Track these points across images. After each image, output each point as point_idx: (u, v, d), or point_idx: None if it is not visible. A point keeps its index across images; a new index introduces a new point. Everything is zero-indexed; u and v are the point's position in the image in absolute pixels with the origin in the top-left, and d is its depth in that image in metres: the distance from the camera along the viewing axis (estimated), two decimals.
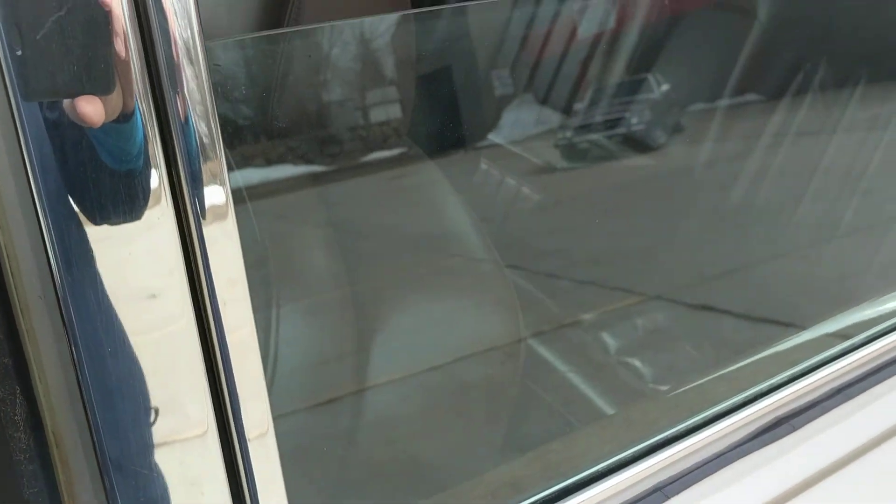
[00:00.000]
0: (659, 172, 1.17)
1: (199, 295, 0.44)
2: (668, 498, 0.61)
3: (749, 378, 0.83)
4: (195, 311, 0.44)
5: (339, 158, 0.79)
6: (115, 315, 0.41)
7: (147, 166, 0.40)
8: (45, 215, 0.39)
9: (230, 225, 0.44)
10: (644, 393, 0.99)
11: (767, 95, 1.18)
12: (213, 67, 0.61)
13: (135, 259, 0.41)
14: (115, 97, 0.38)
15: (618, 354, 1.02)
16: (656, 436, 0.65)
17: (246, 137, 0.69)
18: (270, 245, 0.69)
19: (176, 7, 0.39)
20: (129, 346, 0.42)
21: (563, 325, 1.02)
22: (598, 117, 1.13)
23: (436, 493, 0.76)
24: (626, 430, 0.85)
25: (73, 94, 0.37)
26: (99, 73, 0.37)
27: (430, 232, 0.86)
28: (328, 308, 0.74)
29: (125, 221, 0.40)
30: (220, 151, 0.43)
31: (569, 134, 1.11)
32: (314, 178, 0.76)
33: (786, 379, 0.69)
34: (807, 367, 0.70)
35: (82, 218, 0.39)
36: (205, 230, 0.43)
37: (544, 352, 0.95)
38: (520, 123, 1.05)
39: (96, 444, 0.42)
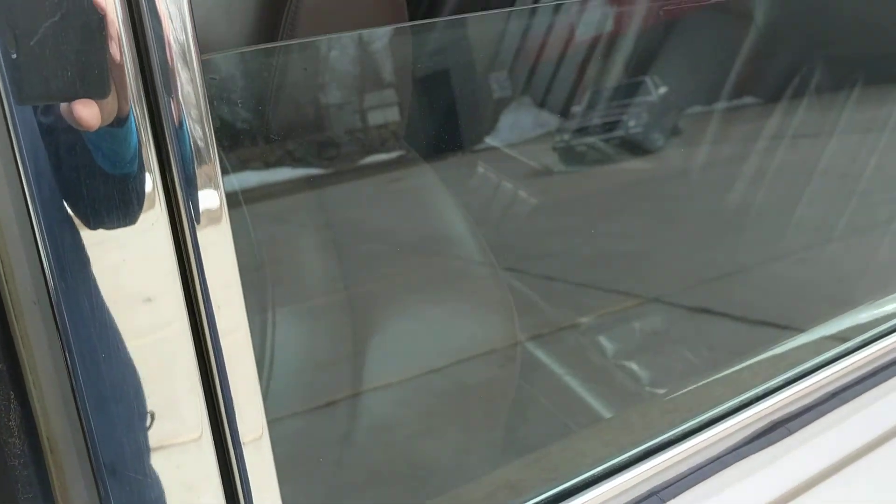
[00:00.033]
0: (657, 175, 1.17)
1: (194, 299, 0.44)
2: (663, 502, 0.61)
3: (746, 381, 0.83)
4: (189, 315, 0.44)
5: (336, 161, 0.79)
6: (110, 319, 0.41)
7: (141, 170, 0.40)
8: (39, 220, 0.39)
9: (224, 229, 0.44)
10: (641, 396, 0.99)
11: (765, 98, 1.18)
12: (209, 80, 0.62)
13: (129, 263, 0.41)
14: (110, 101, 0.38)
15: (615, 358, 1.02)
16: (652, 440, 0.65)
17: (243, 144, 0.69)
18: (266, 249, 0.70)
19: (170, 11, 0.39)
20: (124, 351, 0.42)
21: (560, 328, 1.02)
22: (596, 120, 1.13)
23: (433, 497, 0.76)
24: (622, 433, 0.85)
25: (67, 99, 0.37)
26: (93, 77, 0.37)
27: (427, 238, 0.87)
28: (322, 311, 0.74)
29: (119, 226, 0.40)
30: (214, 155, 0.43)
31: (566, 137, 1.11)
32: (309, 183, 0.76)
33: (781, 382, 0.69)
34: (802, 370, 0.70)
35: (76, 222, 0.39)
36: (199, 234, 0.43)
37: (541, 355, 0.95)
38: (517, 127, 1.05)
39: (90, 450, 0.42)
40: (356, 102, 0.77)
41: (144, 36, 0.39)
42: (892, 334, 0.75)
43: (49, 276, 0.39)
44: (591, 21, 1.04)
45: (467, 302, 0.84)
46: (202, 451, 0.47)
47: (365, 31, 0.71)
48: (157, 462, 0.45)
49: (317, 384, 0.75)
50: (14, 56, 0.35)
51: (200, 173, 0.42)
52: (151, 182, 0.40)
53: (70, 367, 0.41)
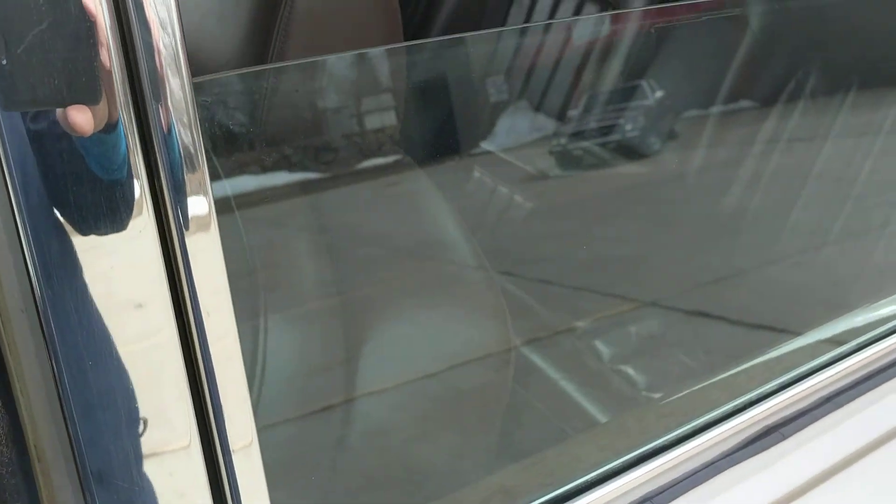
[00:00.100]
0: (654, 179, 1.18)
1: (182, 306, 0.44)
2: None
3: (742, 385, 0.83)
4: (178, 321, 0.44)
5: (333, 165, 0.79)
6: (97, 327, 0.41)
7: (129, 177, 0.40)
8: (26, 226, 0.38)
9: (213, 235, 0.44)
10: (637, 401, 0.99)
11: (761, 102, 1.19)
12: (201, 102, 0.62)
13: (117, 271, 0.41)
14: (100, 108, 0.38)
15: (611, 362, 1.02)
16: (645, 445, 0.65)
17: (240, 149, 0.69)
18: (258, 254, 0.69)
19: (159, 18, 0.39)
20: (111, 358, 0.42)
21: (555, 332, 1.02)
22: (593, 124, 1.13)
23: (427, 503, 0.76)
24: (617, 438, 0.85)
25: (55, 105, 0.37)
26: (81, 84, 0.37)
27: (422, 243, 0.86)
28: (313, 316, 0.74)
29: (107, 233, 0.40)
30: (203, 162, 0.43)
31: (563, 141, 1.11)
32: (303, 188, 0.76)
33: (775, 387, 0.69)
34: (796, 375, 0.70)
35: (64, 229, 0.39)
36: (188, 241, 0.43)
37: (535, 359, 0.95)
38: (513, 132, 1.05)
39: (77, 458, 0.42)
40: (350, 115, 0.78)
41: (133, 43, 0.39)
42: (886, 338, 0.75)
43: (36, 284, 0.39)
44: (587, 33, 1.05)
45: (460, 307, 0.84)
46: (191, 459, 0.47)
47: (357, 52, 0.72)
48: (145, 470, 0.45)
49: (310, 389, 0.75)
50: (3, 62, 0.35)
51: (189, 180, 0.42)
52: (139, 188, 0.40)
53: (56, 374, 0.41)
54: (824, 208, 1.17)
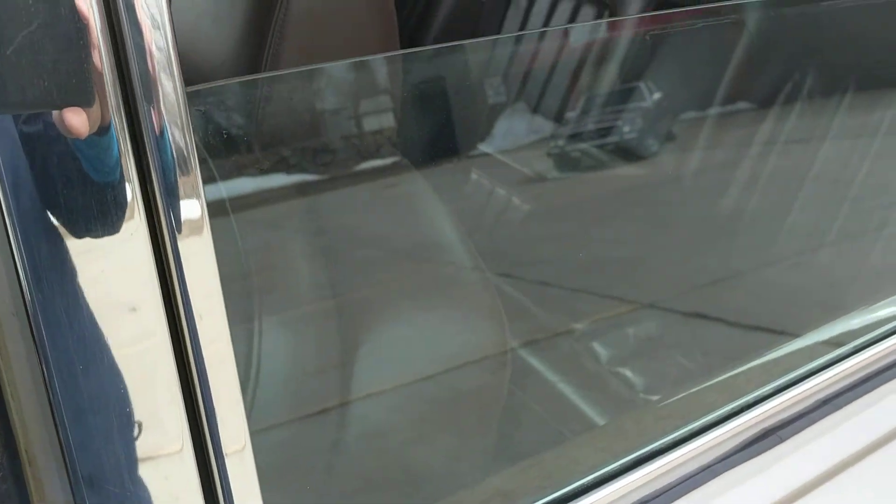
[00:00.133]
0: (650, 181, 1.18)
1: (175, 309, 0.44)
2: None
3: (741, 386, 0.83)
4: (170, 325, 0.43)
5: (331, 167, 0.79)
6: (88, 330, 0.41)
7: (121, 180, 0.40)
8: (16, 230, 0.38)
9: (206, 238, 0.43)
10: (634, 403, 0.99)
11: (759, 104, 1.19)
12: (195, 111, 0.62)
13: (108, 274, 0.41)
14: (90, 111, 0.38)
15: (608, 364, 1.02)
16: (641, 449, 0.64)
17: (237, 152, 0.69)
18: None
19: (150, 21, 0.39)
20: (102, 362, 0.42)
21: (553, 334, 1.02)
22: (590, 126, 1.13)
23: None
24: (615, 440, 0.85)
25: (45, 107, 0.37)
26: (71, 86, 0.37)
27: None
28: (309, 318, 0.74)
29: (98, 236, 0.40)
30: (195, 165, 0.42)
31: (561, 143, 1.11)
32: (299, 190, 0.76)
33: (772, 390, 0.69)
34: (793, 377, 0.70)
35: (54, 232, 0.39)
36: (180, 244, 0.43)
37: (533, 361, 0.95)
38: (511, 134, 1.05)
39: (68, 462, 0.42)
40: (348, 117, 0.78)
41: (124, 45, 0.38)
42: (883, 340, 0.75)
43: (26, 287, 0.39)
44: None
45: (456, 309, 0.83)
46: (183, 463, 0.46)
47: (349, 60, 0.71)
48: (138, 474, 0.45)
49: (305, 392, 0.74)
50: None
51: (181, 183, 0.42)
52: (131, 191, 0.40)
53: (47, 378, 0.40)
54: (821, 210, 1.17)
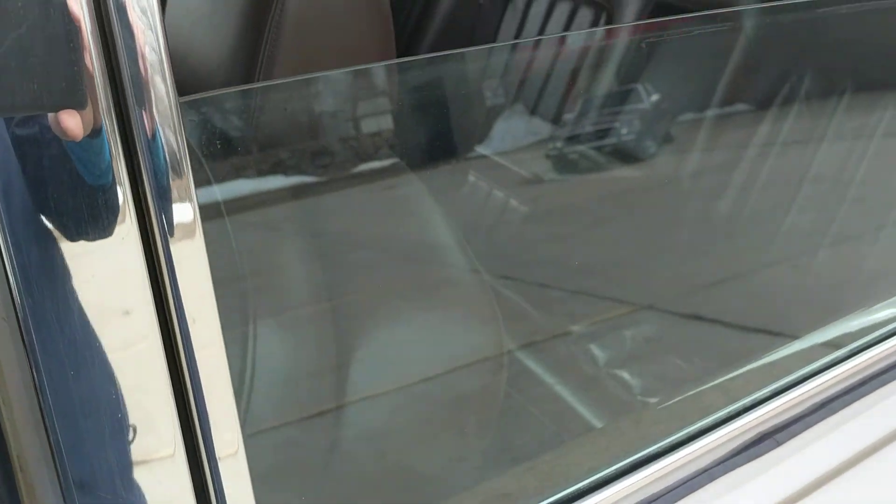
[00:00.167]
0: (648, 183, 1.18)
1: (167, 313, 0.43)
2: None
3: (739, 388, 0.82)
4: (163, 329, 0.43)
5: (328, 170, 0.79)
6: (79, 334, 0.41)
7: (112, 183, 0.40)
8: (6, 233, 0.38)
9: (198, 242, 0.43)
10: (632, 405, 0.98)
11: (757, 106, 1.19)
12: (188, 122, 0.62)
13: (99, 278, 0.40)
14: (81, 114, 0.37)
15: (606, 366, 1.02)
16: (639, 452, 0.64)
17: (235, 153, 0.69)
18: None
19: (141, 23, 0.38)
20: (94, 367, 0.42)
21: (550, 336, 1.02)
22: (588, 128, 1.13)
23: None
24: (614, 442, 0.84)
25: (35, 110, 0.37)
26: (62, 89, 0.37)
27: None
28: (304, 321, 0.74)
29: (89, 240, 0.40)
30: (187, 168, 0.42)
31: (559, 145, 1.12)
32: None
33: (769, 394, 0.69)
34: (790, 381, 0.70)
35: (45, 235, 0.39)
36: (172, 248, 0.42)
37: (529, 364, 0.95)
38: (509, 136, 1.06)
39: (59, 468, 0.42)
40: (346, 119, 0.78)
41: (115, 47, 0.38)
42: (880, 344, 0.75)
43: (16, 292, 0.39)
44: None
45: (452, 312, 0.83)
46: (176, 468, 0.46)
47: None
48: (129, 479, 0.44)
49: (300, 394, 0.74)
50: None
51: (174, 186, 0.42)
52: (122, 195, 0.40)
53: (38, 383, 0.40)
54: (818, 211, 1.17)
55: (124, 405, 0.43)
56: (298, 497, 0.68)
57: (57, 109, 0.37)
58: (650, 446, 0.65)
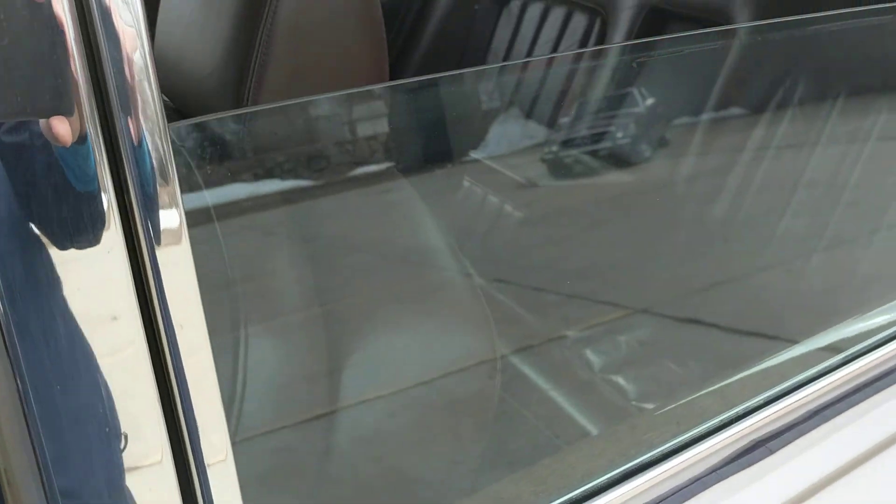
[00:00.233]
0: (643, 186, 1.18)
1: (154, 319, 0.43)
2: None
3: (732, 397, 0.82)
4: (149, 335, 0.43)
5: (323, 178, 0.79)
6: (64, 343, 0.40)
7: (97, 190, 0.39)
8: None
9: (185, 248, 0.43)
10: (629, 412, 0.98)
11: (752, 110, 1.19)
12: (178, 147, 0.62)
13: (85, 286, 0.40)
14: (69, 120, 0.37)
15: (601, 371, 1.02)
16: (632, 461, 0.64)
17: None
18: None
19: (126, 29, 0.38)
20: (80, 375, 0.41)
21: (545, 340, 1.01)
22: (584, 132, 1.14)
23: None
24: (601, 454, 0.84)
25: (16, 117, 0.36)
26: (44, 96, 0.37)
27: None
28: (294, 326, 0.74)
29: (73, 247, 0.39)
30: (173, 174, 0.42)
31: (554, 149, 1.12)
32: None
33: (762, 402, 0.68)
34: (782, 389, 0.70)
35: (28, 243, 0.38)
36: (158, 255, 0.42)
37: (525, 369, 0.95)
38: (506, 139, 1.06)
39: (44, 479, 0.41)
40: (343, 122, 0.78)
41: (99, 54, 0.38)
42: (872, 352, 0.75)
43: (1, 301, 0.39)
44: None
45: (444, 318, 0.83)
46: (164, 475, 0.46)
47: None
48: (118, 488, 0.44)
49: (291, 400, 0.74)
50: None
51: (159, 192, 0.42)
52: (107, 202, 0.40)
53: (22, 392, 0.40)
54: (812, 215, 1.17)
55: (115, 414, 0.43)
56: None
57: (39, 117, 0.37)
58: (643, 454, 0.65)
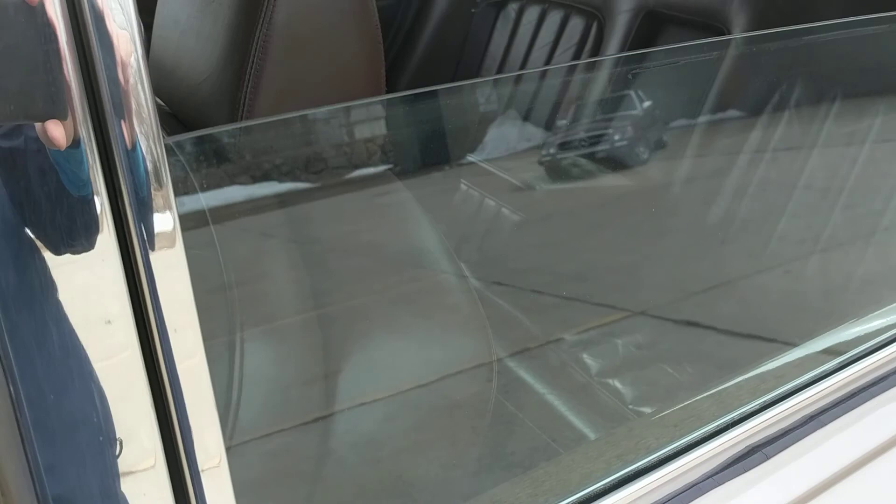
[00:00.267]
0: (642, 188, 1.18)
1: (147, 324, 0.43)
2: None
3: (732, 396, 0.82)
4: (143, 340, 0.43)
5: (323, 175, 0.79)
6: (58, 348, 0.40)
7: (91, 194, 0.39)
8: None
9: (178, 251, 0.43)
10: (625, 416, 0.98)
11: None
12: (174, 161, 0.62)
13: (79, 291, 0.40)
14: (59, 124, 0.37)
15: (598, 375, 1.02)
16: (627, 467, 0.64)
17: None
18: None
19: (119, 33, 0.38)
20: (73, 379, 0.41)
21: (542, 343, 1.01)
22: (581, 135, 1.14)
23: None
24: (596, 459, 0.84)
25: (7, 121, 0.36)
26: (37, 100, 0.36)
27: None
28: (287, 330, 0.73)
29: (66, 252, 0.39)
30: (167, 178, 0.42)
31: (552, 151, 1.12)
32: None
33: (757, 407, 0.68)
34: (778, 394, 0.70)
35: (22, 248, 0.38)
36: (152, 259, 0.42)
37: (521, 372, 0.94)
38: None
39: (37, 486, 0.41)
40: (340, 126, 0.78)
41: (92, 57, 0.38)
42: (868, 357, 0.74)
43: None
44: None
45: (440, 321, 0.83)
46: (158, 480, 0.46)
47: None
48: (111, 493, 0.44)
49: (284, 403, 0.74)
50: None
51: (153, 196, 0.41)
52: (101, 205, 0.40)
53: (15, 399, 0.40)
54: (808, 217, 1.18)
55: (109, 419, 0.43)
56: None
57: (35, 120, 0.36)
58: (639, 460, 0.65)
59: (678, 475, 0.63)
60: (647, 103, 1.12)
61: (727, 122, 1.19)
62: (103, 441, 0.43)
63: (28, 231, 0.38)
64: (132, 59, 0.39)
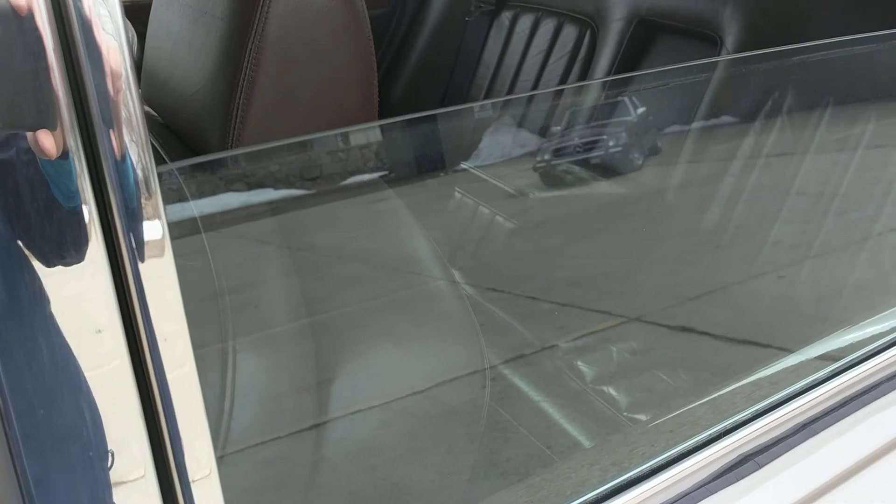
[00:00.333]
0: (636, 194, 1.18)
1: (137, 333, 0.43)
2: None
3: (725, 409, 0.82)
4: (132, 349, 0.43)
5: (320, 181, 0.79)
6: (46, 359, 0.40)
7: (79, 204, 0.39)
8: None
9: (168, 260, 0.43)
10: (620, 424, 0.98)
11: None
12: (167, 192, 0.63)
13: (69, 301, 0.40)
14: (49, 134, 0.37)
15: (593, 382, 1.01)
16: (618, 477, 0.63)
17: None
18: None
19: (106, 42, 0.38)
20: (62, 390, 0.41)
21: (536, 350, 1.01)
22: (575, 140, 1.14)
23: None
24: (589, 468, 0.84)
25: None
26: (24, 109, 0.36)
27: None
28: (278, 339, 0.73)
29: (55, 263, 0.39)
30: (156, 187, 0.42)
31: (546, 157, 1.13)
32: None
33: (749, 416, 0.68)
34: (770, 403, 0.70)
35: (10, 258, 0.38)
36: (141, 268, 0.42)
37: (515, 380, 0.94)
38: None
39: (26, 498, 0.41)
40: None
41: (80, 66, 0.38)
42: (859, 365, 0.74)
43: None
44: None
45: (433, 328, 0.83)
46: (147, 490, 0.45)
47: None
48: (101, 502, 0.44)
49: (275, 411, 0.73)
50: None
51: (142, 205, 0.41)
52: (89, 215, 0.39)
53: (4, 411, 0.39)
54: (803, 223, 1.18)
55: (100, 431, 0.42)
56: None
57: (22, 130, 0.36)
58: (632, 469, 0.65)
59: (670, 485, 0.63)
60: (640, 109, 1.13)
61: (721, 127, 1.20)
62: (93, 454, 0.42)
63: (19, 243, 0.38)
64: (121, 68, 0.39)
